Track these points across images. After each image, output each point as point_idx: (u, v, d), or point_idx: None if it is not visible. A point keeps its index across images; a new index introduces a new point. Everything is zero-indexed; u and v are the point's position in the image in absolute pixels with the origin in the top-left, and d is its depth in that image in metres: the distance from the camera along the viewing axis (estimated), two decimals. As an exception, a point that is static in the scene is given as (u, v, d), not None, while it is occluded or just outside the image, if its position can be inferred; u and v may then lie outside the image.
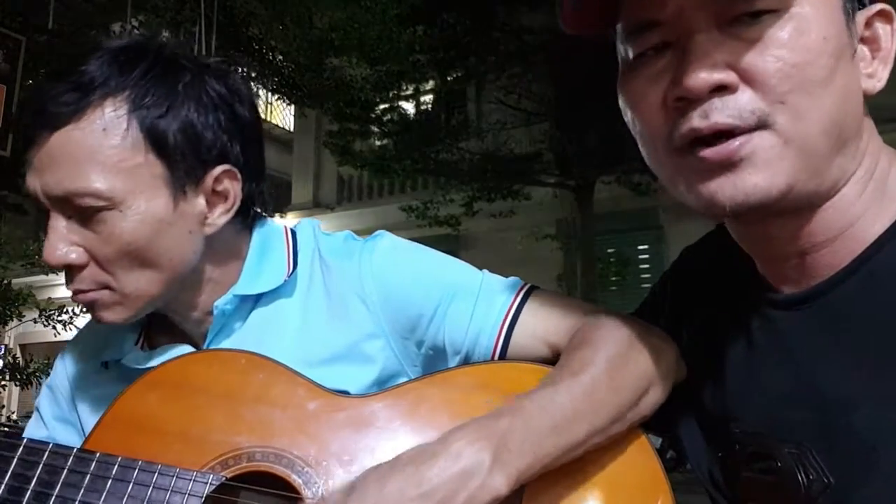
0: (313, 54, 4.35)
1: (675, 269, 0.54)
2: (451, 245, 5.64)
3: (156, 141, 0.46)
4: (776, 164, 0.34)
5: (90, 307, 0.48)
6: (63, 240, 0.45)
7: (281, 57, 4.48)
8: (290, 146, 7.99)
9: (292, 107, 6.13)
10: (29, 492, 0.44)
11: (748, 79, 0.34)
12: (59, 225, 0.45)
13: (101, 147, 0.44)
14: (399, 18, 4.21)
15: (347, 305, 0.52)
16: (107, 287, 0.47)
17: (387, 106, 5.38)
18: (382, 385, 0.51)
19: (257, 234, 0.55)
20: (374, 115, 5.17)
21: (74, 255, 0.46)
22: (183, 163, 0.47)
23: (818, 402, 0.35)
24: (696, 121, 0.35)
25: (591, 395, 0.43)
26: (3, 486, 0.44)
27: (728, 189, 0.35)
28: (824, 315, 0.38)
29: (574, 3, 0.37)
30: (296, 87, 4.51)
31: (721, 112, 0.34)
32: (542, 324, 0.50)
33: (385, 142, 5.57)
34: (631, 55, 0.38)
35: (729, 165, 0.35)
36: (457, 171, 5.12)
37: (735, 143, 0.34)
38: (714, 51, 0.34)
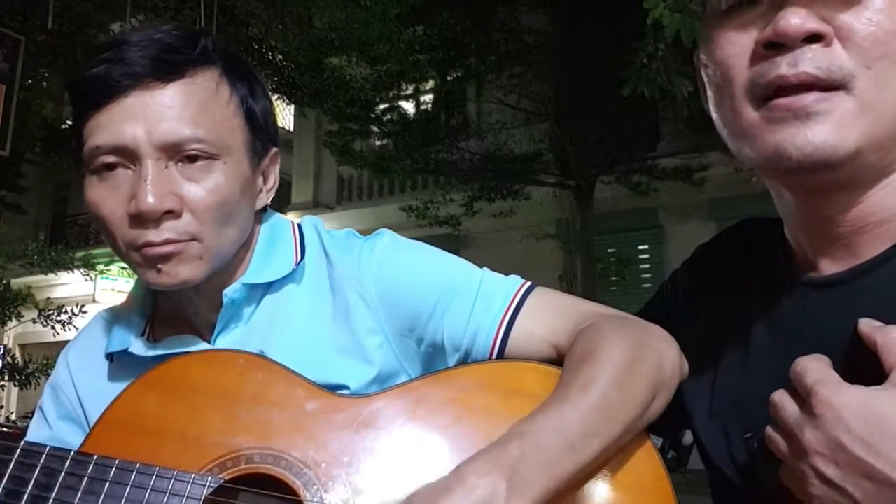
0: (313, 54, 4.35)
1: (690, 262, 0.54)
2: (451, 245, 5.64)
3: (248, 111, 0.51)
4: (849, 126, 0.34)
5: (166, 261, 0.47)
6: (165, 185, 0.46)
7: (281, 57, 4.48)
8: (290, 146, 7.99)
9: (292, 106, 6.13)
10: (26, 495, 0.44)
11: (842, 36, 0.34)
12: (160, 172, 0.46)
13: (214, 103, 0.48)
14: (399, 18, 4.21)
15: (348, 302, 0.52)
16: (194, 239, 0.47)
17: (387, 106, 5.38)
18: (382, 382, 0.50)
19: (265, 225, 0.56)
20: (373, 115, 5.17)
21: (174, 202, 0.46)
22: (261, 136, 0.52)
23: (855, 382, 0.34)
24: (785, 68, 0.35)
25: (601, 410, 0.42)
26: (0, 490, 0.44)
27: (798, 139, 0.35)
28: (866, 295, 0.37)
29: None
30: (296, 86, 4.51)
31: (811, 62, 0.34)
32: (541, 323, 0.50)
33: (385, 141, 5.57)
34: (723, 5, 0.38)
35: (802, 116, 0.35)
36: (457, 171, 5.13)
37: (811, 96, 0.34)
38: (815, 2, 0.34)
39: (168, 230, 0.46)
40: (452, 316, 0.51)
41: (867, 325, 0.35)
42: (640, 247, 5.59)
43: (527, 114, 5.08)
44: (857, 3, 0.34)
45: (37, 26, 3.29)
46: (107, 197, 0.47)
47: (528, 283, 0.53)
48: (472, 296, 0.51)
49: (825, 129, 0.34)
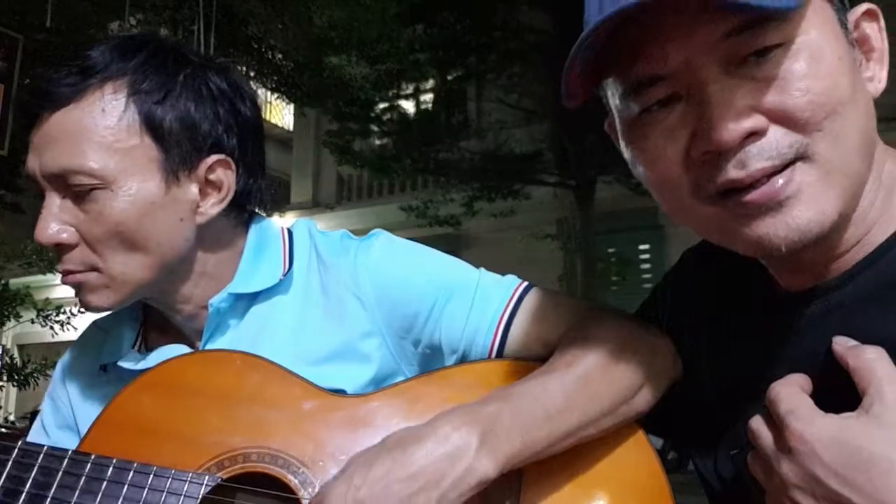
0: (313, 53, 4.35)
1: (676, 270, 0.54)
2: (451, 245, 5.64)
3: (152, 125, 0.47)
4: (823, 196, 0.33)
5: (77, 290, 0.48)
6: (55, 218, 0.46)
7: (280, 56, 4.47)
8: (290, 145, 7.98)
9: (292, 106, 6.12)
10: (24, 494, 0.44)
11: (777, 118, 0.33)
12: (53, 204, 0.46)
13: (97, 126, 0.45)
14: (399, 17, 4.21)
15: (344, 304, 0.52)
16: (94, 269, 0.47)
17: (386, 105, 5.37)
18: (379, 384, 0.50)
19: (253, 233, 0.55)
20: (373, 115, 5.16)
21: (66, 234, 0.46)
22: (177, 149, 0.48)
23: (833, 399, 0.34)
24: (733, 172, 0.33)
25: (583, 386, 0.43)
26: (-4, 488, 0.43)
27: (781, 229, 0.33)
28: (834, 311, 0.37)
29: (569, 67, 0.35)
30: (295, 86, 4.51)
31: (758, 158, 0.33)
32: (539, 323, 0.50)
33: (385, 141, 5.57)
34: (636, 110, 0.36)
35: (775, 206, 0.33)
36: (457, 171, 5.12)
37: (778, 181, 0.33)
38: (734, 97, 0.33)
39: (67, 262, 0.47)
40: (450, 317, 0.51)
41: (841, 346, 0.34)
42: (641, 247, 5.60)
43: (527, 113, 5.07)
44: (777, 78, 0.32)
45: (35, 25, 3.28)
46: (37, 225, 0.47)
47: (525, 283, 0.53)
48: (470, 296, 0.51)
49: (803, 210, 0.33)
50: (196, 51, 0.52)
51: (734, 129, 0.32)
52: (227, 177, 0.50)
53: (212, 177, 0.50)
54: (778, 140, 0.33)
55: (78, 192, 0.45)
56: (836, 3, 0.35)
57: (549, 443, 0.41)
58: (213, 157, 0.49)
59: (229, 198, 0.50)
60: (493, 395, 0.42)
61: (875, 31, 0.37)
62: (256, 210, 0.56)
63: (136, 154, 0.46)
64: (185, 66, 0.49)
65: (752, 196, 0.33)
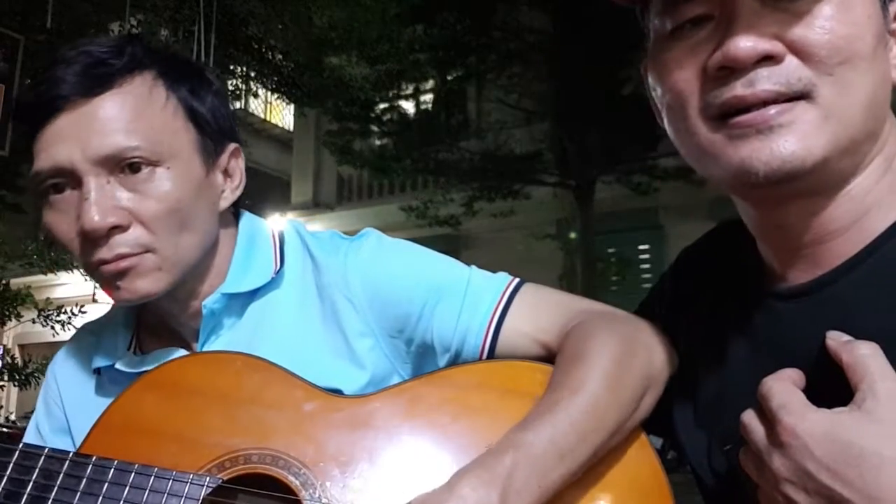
0: (313, 53, 4.35)
1: (673, 268, 0.54)
2: (451, 245, 5.63)
3: (191, 112, 0.49)
4: (814, 136, 0.34)
5: (122, 277, 0.46)
6: (107, 202, 0.45)
7: (280, 56, 4.48)
8: (290, 146, 7.98)
9: (292, 106, 6.12)
10: (25, 496, 0.44)
11: (796, 49, 0.33)
12: (100, 188, 0.45)
13: (147, 108, 0.47)
14: (399, 17, 4.21)
15: (336, 305, 0.52)
16: (148, 250, 0.46)
17: (386, 105, 5.37)
18: (375, 384, 0.50)
19: (243, 232, 0.55)
20: (373, 115, 5.16)
21: (120, 216, 0.45)
22: (211, 136, 0.50)
23: (826, 393, 0.34)
24: (740, 89, 0.34)
25: (592, 413, 0.43)
26: (-2, 490, 0.44)
27: (763, 154, 0.34)
28: (829, 306, 0.37)
29: None
30: (295, 86, 4.51)
31: (767, 80, 0.33)
32: (531, 321, 0.50)
33: (385, 141, 5.57)
34: (668, 27, 0.37)
35: (765, 130, 0.34)
36: (457, 171, 5.12)
37: (772, 109, 0.33)
38: (761, 21, 0.34)
39: (119, 245, 0.45)
40: (441, 316, 0.51)
41: (834, 341, 0.35)
42: (641, 247, 5.59)
43: (527, 113, 5.07)
44: (807, 13, 0.33)
45: (36, 26, 3.29)
46: (59, 220, 0.46)
47: (517, 280, 0.53)
48: (461, 295, 0.51)
49: (790, 141, 0.34)
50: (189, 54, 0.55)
51: (752, 46, 0.33)
52: (239, 165, 0.53)
53: (230, 165, 0.52)
54: (791, 69, 0.33)
55: (134, 171, 0.45)
56: None
57: (565, 480, 0.42)
58: (232, 145, 0.52)
59: (242, 185, 0.52)
60: (506, 444, 0.41)
61: None
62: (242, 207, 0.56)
63: (182, 136, 0.48)
64: (195, 63, 0.54)
65: (745, 117, 0.34)
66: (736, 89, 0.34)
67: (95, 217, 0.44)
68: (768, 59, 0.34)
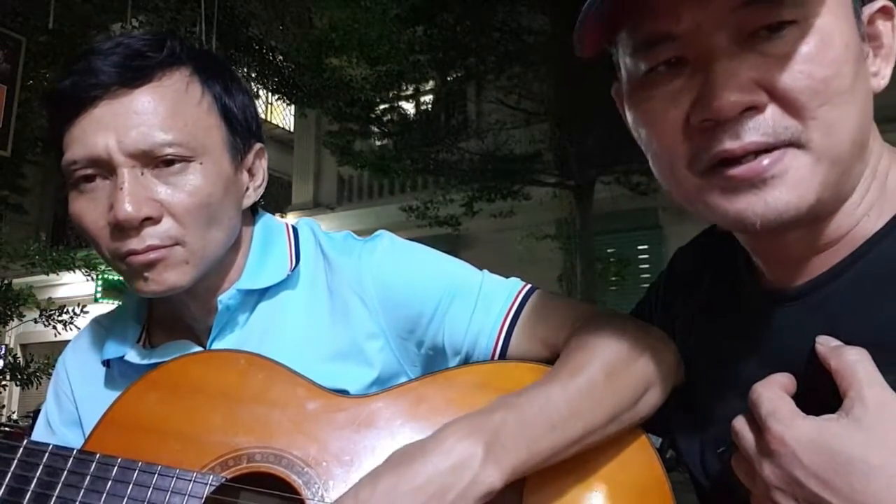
0: (313, 54, 4.36)
1: (667, 270, 0.54)
2: (451, 245, 5.63)
3: (224, 109, 0.50)
4: (807, 182, 0.33)
5: (151, 268, 0.46)
6: (141, 193, 0.45)
7: (281, 57, 4.48)
8: (290, 146, 7.98)
9: (292, 107, 6.13)
10: (29, 493, 0.44)
11: (777, 96, 0.33)
12: (134, 179, 0.45)
13: (183, 104, 0.47)
14: (399, 18, 4.22)
15: (348, 304, 0.52)
16: (178, 243, 0.47)
17: (387, 106, 5.37)
18: (382, 385, 0.51)
19: (259, 229, 0.55)
20: (374, 115, 5.16)
21: (152, 208, 0.46)
22: (240, 134, 0.51)
23: (817, 398, 0.35)
24: (728, 143, 0.34)
25: (588, 394, 0.43)
26: (3, 488, 0.44)
27: (759, 207, 0.34)
28: (818, 310, 0.38)
29: (584, 17, 0.35)
30: (296, 87, 4.52)
31: (754, 132, 0.33)
32: (542, 325, 0.50)
33: (385, 142, 5.57)
34: (642, 69, 0.37)
35: (758, 183, 0.34)
36: (457, 171, 5.11)
37: (765, 161, 0.33)
38: (740, 70, 0.33)
39: (150, 237, 0.46)
40: (453, 319, 0.51)
41: (823, 346, 0.35)
42: (640, 247, 5.59)
43: (527, 114, 5.07)
44: (784, 56, 0.32)
45: (38, 27, 3.30)
46: (88, 209, 0.47)
47: (529, 286, 0.53)
48: (473, 298, 0.51)
49: (784, 192, 0.33)
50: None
51: (735, 100, 0.32)
52: (262, 165, 0.54)
53: (254, 164, 0.53)
54: (775, 119, 0.33)
55: (169, 164, 0.46)
56: None
57: (554, 452, 0.41)
58: (257, 145, 0.53)
59: (265, 185, 0.53)
60: (498, 404, 0.42)
61: (888, 30, 0.37)
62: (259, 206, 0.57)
63: (214, 134, 0.49)
64: (227, 63, 0.53)
65: (737, 170, 0.34)
66: (724, 143, 0.34)
67: (129, 207, 0.44)
68: (752, 108, 0.33)
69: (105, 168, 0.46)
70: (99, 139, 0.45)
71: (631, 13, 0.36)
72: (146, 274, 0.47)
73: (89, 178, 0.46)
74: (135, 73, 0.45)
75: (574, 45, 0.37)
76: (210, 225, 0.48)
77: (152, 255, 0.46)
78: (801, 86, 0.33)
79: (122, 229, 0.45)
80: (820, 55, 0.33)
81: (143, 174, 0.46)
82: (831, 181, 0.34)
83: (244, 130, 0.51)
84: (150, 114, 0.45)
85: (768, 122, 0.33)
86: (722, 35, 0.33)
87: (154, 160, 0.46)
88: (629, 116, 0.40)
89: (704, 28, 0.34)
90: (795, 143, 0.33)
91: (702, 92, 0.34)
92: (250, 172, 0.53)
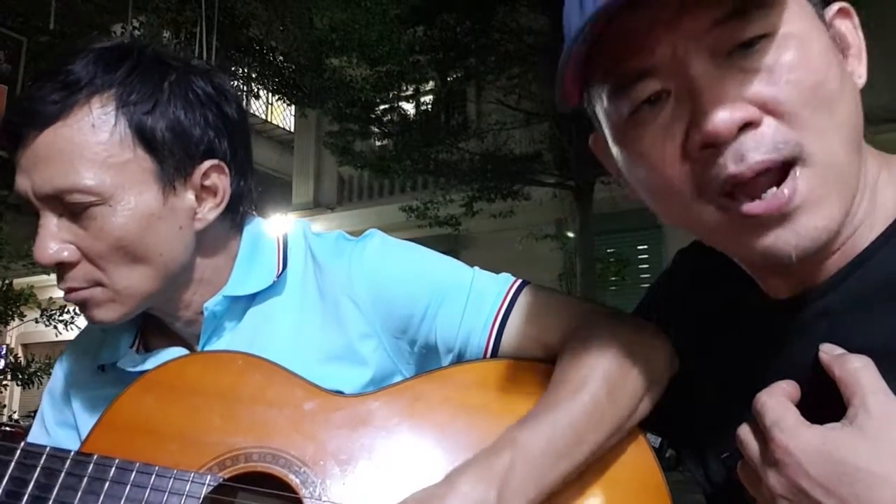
0: (314, 55, 4.37)
1: (668, 271, 0.54)
2: (451, 245, 5.63)
3: (144, 137, 0.46)
4: (827, 200, 0.33)
5: (83, 306, 0.48)
6: (54, 238, 0.45)
7: (281, 57, 4.49)
8: (291, 146, 7.99)
9: (293, 107, 6.13)
10: (27, 495, 0.44)
11: (769, 110, 0.32)
12: (50, 223, 0.45)
13: (89, 143, 0.45)
14: (399, 19, 4.22)
15: (340, 306, 0.52)
16: (99, 284, 0.47)
17: (387, 106, 5.37)
18: (377, 385, 0.51)
19: (247, 235, 0.55)
20: (374, 116, 5.16)
21: (66, 252, 0.45)
22: (171, 158, 0.47)
23: (821, 406, 0.35)
24: (733, 167, 0.32)
25: (591, 413, 0.43)
26: (0, 490, 0.44)
27: (791, 238, 0.33)
28: (819, 318, 0.37)
29: (563, 68, 0.34)
30: (296, 87, 4.52)
31: (757, 150, 0.32)
32: (534, 322, 0.50)
33: (385, 142, 5.57)
34: (625, 111, 0.35)
35: (785, 215, 0.33)
36: (457, 172, 5.12)
37: (784, 192, 0.32)
38: (724, 88, 0.32)
39: (70, 279, 0.46)
40: (445, 317, 0.51)
41: (827, 355, 0.34)
42: (640, 247, 5.60)
43: (526, 114, 5.07)
44: (766, 68, 0.32)
45: (38, 28, 3.30)
46: (35, 246, 0.47)
47: (519, 281, 0.53)
48: (464, 296, 0.51)
49: (811, 219, 0.33)
50: (176, 54, 0.50)
51: (729, 118, 0.32)
52: (221, 181, 0.50)
53: (207, 182, 0.49)
54: (773, 133, 0.32)
55: (75, 210, 0.45)
56: (813, 0, 0.35)
57: (563, 479, 0.42)
58: (207, 163, 0.49)
59: (225, 202, 0.50)
60: (504, 442, 0.42)
61: (850, 28, 0.37)
62: (249, 211, 0.56)
63: (130, 167, 0.46)
64: (169, 72, 0.48)
65: (758, 209, 0.33)
66: (728, 168, 0.33)
67: (42, 252, 0.45)
68: (747, 124, 0.32)
69: (35, 208, 0.46)
70: (20, 182, 0.46)
71: (603, 59, 0.35)
72: (81, 310, 0.48)
73: (36, 213, 0.47)
74: (43, 115, 0.44)
75: (557, 100, 0.36)
76: (132, 263, 0.46)
77: (73, 297, 0.47)
78: (792, 95, 0.32)
79: (50, 269, 0.47)
80: (803, 62, 0.32)
81: (60, 216, 0.45)
82: (847, 193, 0.34)
83: (178, 154, 0.47)
84: (52, 158, 0.44)
85: (767, 138, 0.32)
86: (699, 59, 0.33)
87: (62, 205, 0.45)
88: (620, 161, 0.39)
89: (679, 54, 0.33)
90: (798, 159, 0.32)
91: (694, 118, 0.33)
92: (207, 191, 0.49)
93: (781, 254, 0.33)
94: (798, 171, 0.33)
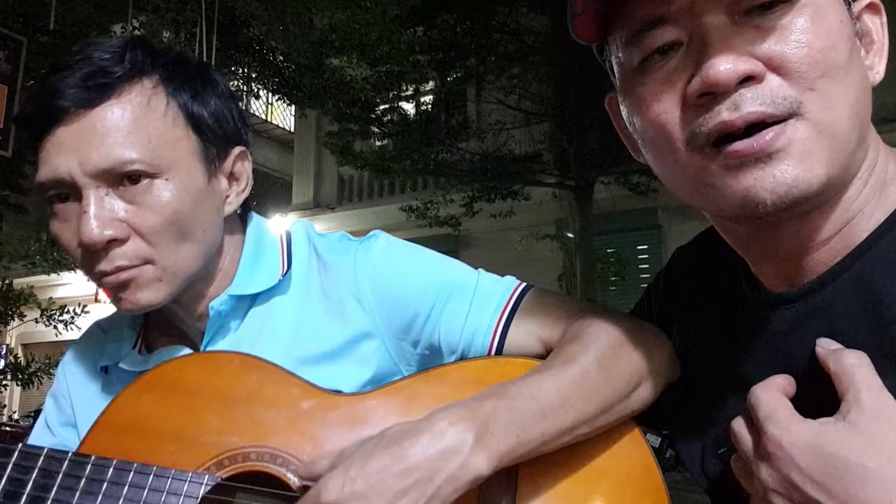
0: (314, 55, 4.37)
1: (666, 269, 0.54)
2: (451, 245, 5.63)
3: (192, 119, 0.49)
4: (814, 155, 0.32)
5: (123, 288, 0.46)
6: (104, 215, 0.44)
7: (281, 57, 4.49)
8: (291, 146, 7.99)
9: (293, 107, 6.13)
10: (25, 496, 0.44)
11: (774, 66, 0.32)
12: (99, 200, 0.44)
13: (146, 119, 0.46)
14: (399, 19, 4.22)
15: (343, 304, 0.52)
16: (148, 262, 0.46)
17: (387, 106, 5.38)
18: (377, 384, 0.51)
19: (251, 234, 0.55)
20: (374, 116, 5.17)
21: (118, 229, 0.45)
22: (214, 141, 0.50)
23: (817, 400, 0.35)
24: (726, 114, 0.32)
25: (579, 384, 0.43)
26: (-2, 490, 0.44)
27: (767, 182, 0.32)
28: (817, 313, 0.37)
29: (577, 7, 0.35)
30: (296, 87, 4.53)
31: (753, 101, 0.32)
32: (537, 323, 0.50)
33: (385, 142, 5.57)
34: (636, 60, 0.36)
35: (764, 158, 0.32)
36: (457, 172, 5.12)
37: (769, 134, 0.32)
38: (735, 40, 0.32)
39: (118, 257, 0.45)
40: (449, 318, 0.51)
41: (823, 350, 0.35)
42: (640, 247, 5.60)
43: (526, 114, 5.07)
44: (780, 28, 0.32)
45: (39, 28, 3.31)
46: (62, 230, 0.46)
47: (524, 285, 0.53)
48: (468, 297, 0.51)
49: (792, 165, 0.32)
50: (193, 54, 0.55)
51: (731, 68, 0.32)
52: (245, 168, 0.53)
53: (235, 168, 0.52)
54: (773, 89, 0.32)
55: (132, 182, 0.45)
56: None
57: (544, 440, 0.41)
58: (237, 149, 0.52)
59: (249, 188, 0.52)
60: (490, 392, 0.42)
61: (877, 25, 0.37)
62: (251, 210, 0.56)
63: (182, 145, 0.47)
64: (199, 66, 0.52)
65: (741, 145, 0.32)
66: (721, 115, 0.33)
67: (92, 230, 0.44)
68: (749, 79, 0.32)
69: (72, 189, 0.45)
70: (61, 162, 0.44)
71: (622, 6, 0.36)
72: (120, 294, 0.47)
73: (62, 199, 0.46)
74: (93, 92, 0.44)
75: (570, 29, 0.37)
76: (181, 240, 0.47)
77: (122, 276, 0.46)
78: (801, 54, 0.32)
79: (92, 251, 0.45)
80: (816, 27, 0.33)
81: (108, 194, 0.45)
82: (836, 158, 0.33)
83: (218, 137, 0.50)
84: (110, 132, 0.44)
85: (766, 92, 0.32)
86: (716, 13, 0.33)
87: (118, 178, 0.45)
88: (624, 111, 0.39)
89: (698, 7, 0.33)
90: (795, 114, 0.32)
91: (698, 67, 0.33)
92: (232, 177, 0.51)
93: (757, 199, 0.33)
94: (791, 123, 0.33)
